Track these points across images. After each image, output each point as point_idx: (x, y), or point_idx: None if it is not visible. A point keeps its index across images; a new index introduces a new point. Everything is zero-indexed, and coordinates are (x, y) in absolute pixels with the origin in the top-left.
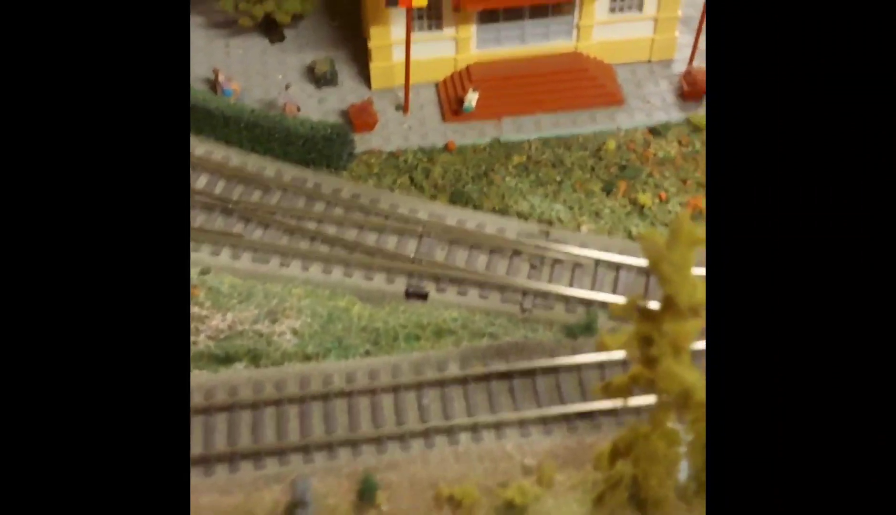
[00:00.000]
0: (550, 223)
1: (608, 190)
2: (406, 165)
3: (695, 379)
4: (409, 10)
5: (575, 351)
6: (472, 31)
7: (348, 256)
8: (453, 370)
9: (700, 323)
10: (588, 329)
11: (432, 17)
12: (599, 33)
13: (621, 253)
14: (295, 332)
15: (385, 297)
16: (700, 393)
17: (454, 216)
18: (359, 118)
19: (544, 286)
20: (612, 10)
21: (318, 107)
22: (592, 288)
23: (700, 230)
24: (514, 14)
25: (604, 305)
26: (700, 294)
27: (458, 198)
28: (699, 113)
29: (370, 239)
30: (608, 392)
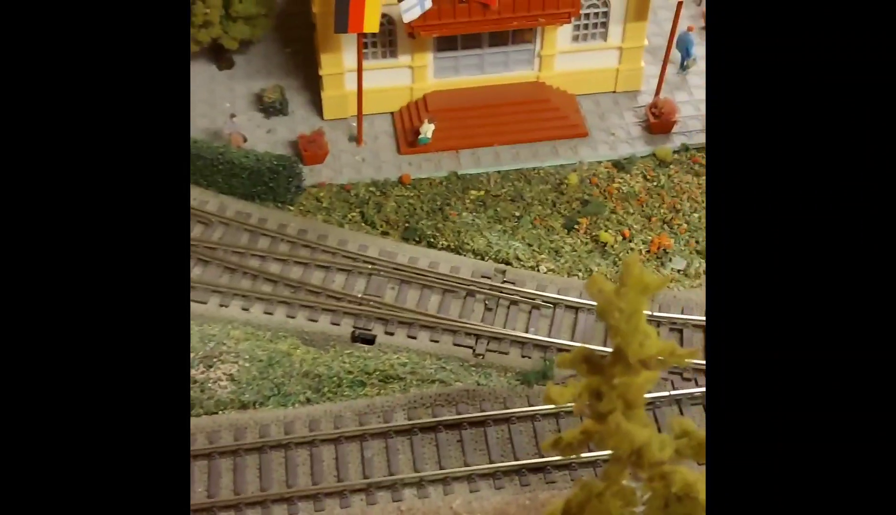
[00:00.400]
0: (508, 262)
1: (569, 226)
2: (357, 199)
3: (647, 436)
4: (360, 36)
5: (529, 400)
6: (428, 59)
7: (292, 296)
8: (399, 419)
9: (654, 375)
10: (544, 376)
11: (386, 44)
12: (562, 63)
13: (581, 294)
14: (231, 378)
15: (329, 340)
16: (653, 453)
17: (406, 254)
18: (308, 149)
19: (499, 329)
20: (576, 38)
21: (267, 138)
22: (550, 332)
23: (651, 275)
24: (472, 42)
25: (562, 350)
26: (651, 345)
27: (411, 235)
28: (665, 146)
29: (316, 277)
30: (558, 447)
